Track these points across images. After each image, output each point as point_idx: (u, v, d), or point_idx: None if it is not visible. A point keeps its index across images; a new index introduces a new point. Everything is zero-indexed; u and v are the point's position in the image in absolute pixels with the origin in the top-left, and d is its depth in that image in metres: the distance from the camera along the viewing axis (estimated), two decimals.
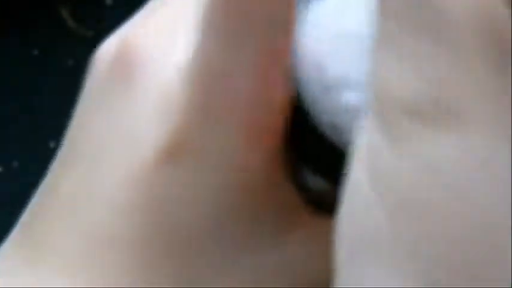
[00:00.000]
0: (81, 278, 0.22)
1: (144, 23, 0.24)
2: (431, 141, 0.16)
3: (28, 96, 0.49)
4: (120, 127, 0.22)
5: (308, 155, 0.24)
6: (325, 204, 0.23)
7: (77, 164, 0.24)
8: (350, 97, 0.22)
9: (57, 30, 0.51)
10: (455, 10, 0.18)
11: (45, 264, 0.23)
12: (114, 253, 0.22)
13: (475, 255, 0.16)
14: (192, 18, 0.22)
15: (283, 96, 0.23)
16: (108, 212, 0.22)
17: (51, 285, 0.22)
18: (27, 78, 0.49)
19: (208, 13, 0.22)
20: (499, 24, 0.18)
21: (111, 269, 0.22)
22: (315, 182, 0.24)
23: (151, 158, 0.21)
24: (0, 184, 0.45)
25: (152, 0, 0.25)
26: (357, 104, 0.21)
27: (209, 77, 0.22)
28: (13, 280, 0.23)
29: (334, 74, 0.22)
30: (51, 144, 0.46)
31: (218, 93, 0.22)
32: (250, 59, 0.22)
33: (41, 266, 0.23)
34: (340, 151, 0.21)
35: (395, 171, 0.16)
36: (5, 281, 0.24)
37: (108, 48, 0.25)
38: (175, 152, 0.21)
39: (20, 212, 0.45)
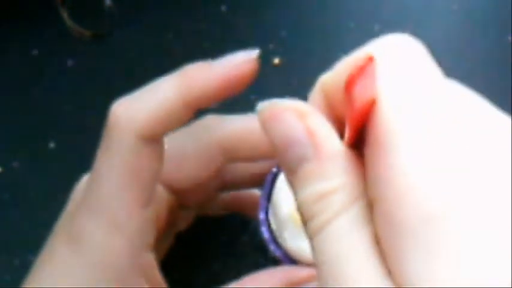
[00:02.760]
0: None
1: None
2: None
3: (28, 96, 0.49)
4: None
5: None
6: None
7: None
8: None
9: (57, 30, 0.50)
10: None
11: None
12: None
13: None
14: None
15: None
16: None
17: None
18: (27, 78, 0.49)
19: None
20: None
21: None
22: None
23: None
24: (0, 184, 0.45)
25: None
26: None
27: None
28: None
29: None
30: (51, 144, 0.46)
31: None
32: None
33: None
34: None
35: None
36: None
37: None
38: None
39: (20, 212, 0.45)
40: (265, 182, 0.36)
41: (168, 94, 0.30)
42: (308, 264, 0.34)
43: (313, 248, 0.21)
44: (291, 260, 0.34)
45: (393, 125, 0.20)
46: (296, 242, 0.34)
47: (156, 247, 0.34)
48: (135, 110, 0.31)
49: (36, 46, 0.50)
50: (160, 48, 0.50)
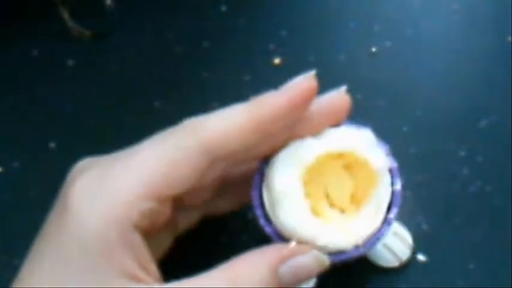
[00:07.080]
0: None
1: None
2: None
3: (28, 96, 0.49)
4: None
5: None
6: None
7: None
8: None
9: (57, 30, 0.51)
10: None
11: None
12: None
13: None
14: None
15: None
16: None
17: None
18: (27, 78, 0.49)
19: None
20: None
21: None
22: None
23: None
24: (0, 184, 0.45)
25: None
26: None
27: None
28: None
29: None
30: (51, 144, 0.47)
31: None
32: None
33: None
34: None
35: None
36: None
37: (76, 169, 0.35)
38: None
39: (20, 211, 0.45)
40: (259, 158, 0.35)
41: (241, 116, 0.32)
42: (300, 242, 0.33)
43: None
44: (280, 237, 0.34)
45: None
46: (290, 219, 0.33)
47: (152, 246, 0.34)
48: (207, 121, 0.32)
49: (37, 46, 0.50)
50: (160, 48, 0.50)
